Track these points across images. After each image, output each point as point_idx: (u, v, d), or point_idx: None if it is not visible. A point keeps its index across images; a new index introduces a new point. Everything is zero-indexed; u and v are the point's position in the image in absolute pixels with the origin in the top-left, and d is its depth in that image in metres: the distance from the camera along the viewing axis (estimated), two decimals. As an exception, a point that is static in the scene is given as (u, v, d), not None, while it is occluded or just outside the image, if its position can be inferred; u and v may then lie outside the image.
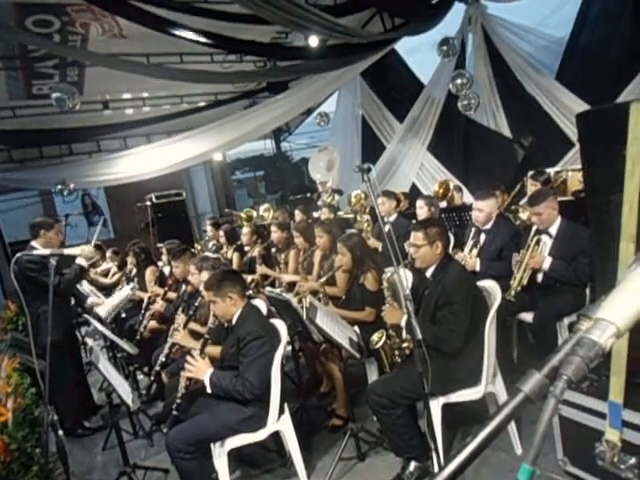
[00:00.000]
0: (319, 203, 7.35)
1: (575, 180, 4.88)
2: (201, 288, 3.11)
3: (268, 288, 4.01)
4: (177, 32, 4.97)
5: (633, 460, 1.94)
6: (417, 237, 2.70)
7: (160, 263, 4.85)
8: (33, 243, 3.68)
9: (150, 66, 6.56)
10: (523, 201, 5.16)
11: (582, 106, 5.59)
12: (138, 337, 4.09)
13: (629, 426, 1.95)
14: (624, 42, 6.13)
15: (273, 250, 5.04)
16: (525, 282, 3.30)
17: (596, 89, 6.04)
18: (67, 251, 2.77)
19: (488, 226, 3.70)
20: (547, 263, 3.25)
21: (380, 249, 4.48)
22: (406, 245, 3.30)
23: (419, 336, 2.14)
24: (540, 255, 3.28)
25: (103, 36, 6.12)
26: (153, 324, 4.25)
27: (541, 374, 0.48)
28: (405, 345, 2.76)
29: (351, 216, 6.11)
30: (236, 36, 5.80)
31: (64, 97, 5.53)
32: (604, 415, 2.02)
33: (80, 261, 3.66)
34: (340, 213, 6.47)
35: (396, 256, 2.22)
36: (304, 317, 2.83)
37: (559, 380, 0.46)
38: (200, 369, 2.61)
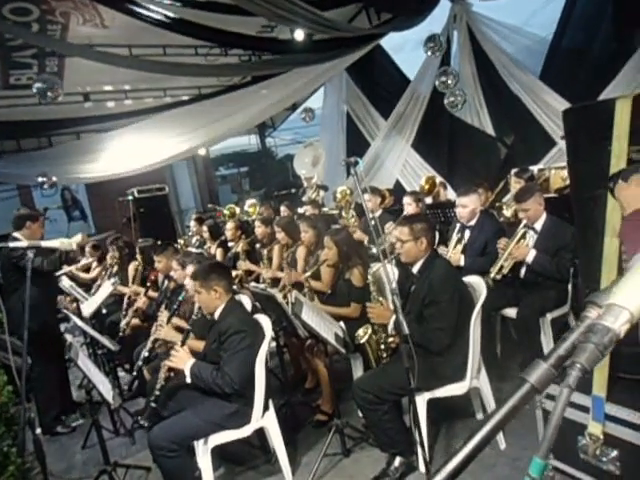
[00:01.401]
0: (304, 199, 7.32)
1: (558, 178, 4.94)
2: (185, 282, 3.06)
3: (253, 283, 3.97)
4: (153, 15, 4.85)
5: (615, 453, 1.96)
6: (402, 232, 2.69)
7: (135, 262, 4.76)
8: (16, 234, 3.62)
9: (132, 58, 6.43)
10: (506, 198, 5.21)
11: (565, 105, 5.66)
12: (121, 334, 4.02)
13: (611, 419, 1.97)
14: (605, 43, 6.24)
15: (257, 246, 4.99)
16: (505, 271, 3.32)
17: (578, 88, 6.14)
18: (45, 243, 2.70)
19: (472, 222, 3.73)
20: (531, 256, 3.27)
21: (366, 242, 4.47)
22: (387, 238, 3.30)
23: (406, 331, 2.13)
24: (525, 247, 3.31)
25: (84, 26, 5.97)
26: (135, 321, 4.18)
27: (547, 364, 0.46)
28: (391, 340, 2.76)
29: (336, 212, 6.10)
30: (222, 28, 5.72)
31: (46, 88, 5.36)
32: (587, 409, 2.04)
33: (64, 247, 3.60)
34: (325, 209, 6.45)
35: (382, 251, 2.21)
36: (289, 312, 2.80)
37: (572, 369, 0.44)
38: (181, 359, 2.58)
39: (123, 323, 4.13)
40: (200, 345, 2.84)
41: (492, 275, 3.28)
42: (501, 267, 3.32)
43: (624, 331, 0.45)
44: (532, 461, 0.45)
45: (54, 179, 7.78)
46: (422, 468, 2.51)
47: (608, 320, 0.45)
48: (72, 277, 5.61)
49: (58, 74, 6.70)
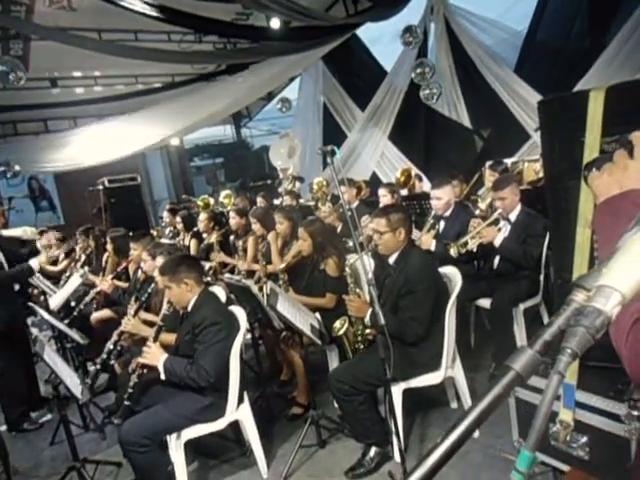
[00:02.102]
0: (280, 190, 7.25)
1: (531, 171, 5.01)
2: (155, 274, 2.97)
3: (227, 275, 3.91)
4: (129, 5, 4.69)
5: (584, 439, 2.00)
6: (380, 223, 2.67)
7: (106, 254, 4.62)
8: None
9: (102, 42, 6.21)
10: (481, 191, 5.27)
11: (538, 98, 5.74)
12: (75, 314, 3.87)
13: (581, 406, 2.00)
14: (579, 38, 6.35)
15: (232, 237, 4.92)
16: (470, 247, 3.34)
17: (552, 82, 6.23)
18: (7, 232, 2.58)
19: (447, 213, 3.75)
20: (499, 239, 3.32)
21: (339, 229, 4.46)
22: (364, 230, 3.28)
23: (382, 322, 2.12)
24: (496, 230, 3.35)
25: (50, 7, 5.73)
26: (102, 313, 4.06)
27: (533, 350, 0.44)
28: (368, 332, 2.75)
29: (312, 204, 6.06)
30: (196, 13, 5.58)
31: (7, 70, 5.13)
32: (558, 397, 2.07)
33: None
34: (301, 201, 6.40)
35: (359, 243, 2.19)
36: (265, 304, 2.76)
37: (562, 354, 0.42)
38: (154, 355, 2.50)
39: (83, 303, 3.99)
40: (171, 338, 2.77)
41: (454, 246, 3.31)
42: (466, 242, 3.35)
43: (616, 313, 0.43)
44: (520, 454, 0.43)
45: (17, 168, 7.49)
46: (397, 457, 2.52)
47: (599, 302, 0.43)
48: (41, 270, 5.43)
49: (23, 58, 6.43)
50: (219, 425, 2.56)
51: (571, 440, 2.04)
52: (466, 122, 7.47)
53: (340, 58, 8.52)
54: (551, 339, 0.45)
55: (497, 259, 3.49)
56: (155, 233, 6.46)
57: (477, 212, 4.19)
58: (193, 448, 2.83)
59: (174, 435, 2.47)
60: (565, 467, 2.09)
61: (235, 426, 2.86)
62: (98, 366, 3.13)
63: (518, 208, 3.39)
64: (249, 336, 3.38)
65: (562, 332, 0.45)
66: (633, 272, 0.43)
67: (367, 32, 7.97)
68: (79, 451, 2.73)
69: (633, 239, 0.44)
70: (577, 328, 0.42)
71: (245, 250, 4.59)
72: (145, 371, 2.59)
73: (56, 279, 5.29)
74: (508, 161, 5.40)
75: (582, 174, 1.84)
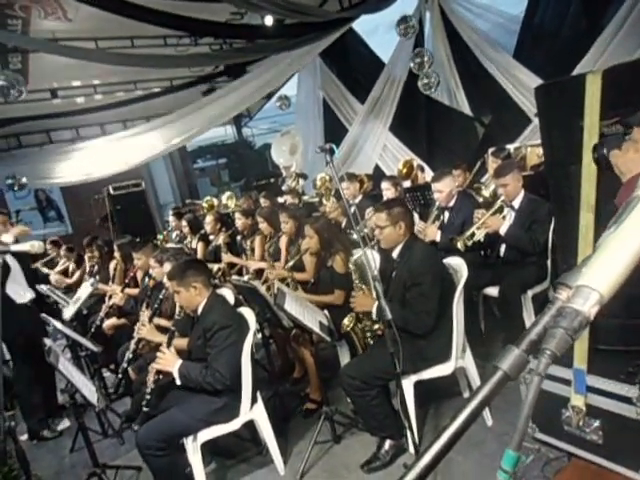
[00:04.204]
0: (283, 188, 7.27)
1: (533, 155, 4.98)
2: (164, 280, 3.00)
3: (235, 276, 3.93)
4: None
5: (597, 423, 2.00)
6: (380, 218, 2.68)
7: (114, 262, 4.67)
8: None
9: (99, 52, 6.24)
10: (485, 178, 5.24)
11: (538, 83, 5.69)
12: (93, 330, 3.94)
13: (593, 391, 2.01)
14: (575, 20, 6.27)
15: (238, 238, 4.94)
16: (476, 239, 3.34)
17: (551, 66, 6.17)
18: (15, 247, 2.60)
19: (451, 203, 3.75)
20: (504, 227, 3.31)
21: (344, 224, 4.46)
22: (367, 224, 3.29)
23: (389, 316, 2.13)
24: (500, 219, 3.34)
25: (46, 19, 5.76)
26: (114, 320, 4.11)
27: (520, 349, 0.45)
28: (377, 327, 2.76)
29: (316, 200, 6.06)
30: (190, 16, 5.58)
31: (8, 85, 5.16)
32: (569, 382, 2.07)
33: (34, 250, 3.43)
34: (305, 197, 6.41)
35: (362, 238, 2.20)
36: (272, 304, 2.78)
37: (542, 355, 0.43)
38: (168, 361, 2.53)
39: (98, 318, 4.06)
40: (184, 343, 2.80)
41: (460, 239, 3.30)
42: (473, 234, 3.34)
43: (594, 313, 0.43)
44: (505, 454, 0.44)
45: (24, 180, 7.57)
46: (412, 450, 2.54)
47: (577, 303, 0.43)
48: (55, 283, 5.51)
49: (22, 71, 6.47)
50: (234, 426, 2.59)
51: (584, 425, 2.05)
52: (466, 110, 7.42)
53: (337, 52, 8.48)
54: (537, 338, 0.46)
55: (503, 247, 3.48)
56: (162, 238, 6.52)
57: (481, 200, 4.18)
58: (210, 449, 2.87)
59: (190, 437, 2.50)
60: (580, 452, 2.09)
61: (250, 425, 2.88)
62: (120, 375, 3.18)
63: (521, 194, 3.37)
64: (260, 336, 3.41)
65: (546, 331, 0.46)
66: (611, 271, 0.43)
67: (363, 24, 7.92)
68: (99, 457, 2.78)
69: (611, 237, 0.44)
70: (556, 329, 0.43)
71: (252, 250, 4.62)
72: (161, 377, 2.63)
73: (69, 289, 5.38)
74: (511, 147, 5.36)
75: (592, 156, 1.83)
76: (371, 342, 2.82)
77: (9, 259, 2.44)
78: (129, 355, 3.15)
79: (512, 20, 7.10)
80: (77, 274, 5.77)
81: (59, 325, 3.33)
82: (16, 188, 7.57)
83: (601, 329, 2.02)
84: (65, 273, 6.18)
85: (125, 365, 3.21)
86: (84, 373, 2.94)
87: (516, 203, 3.38)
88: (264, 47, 6.81)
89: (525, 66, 6.47)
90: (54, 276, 5.81)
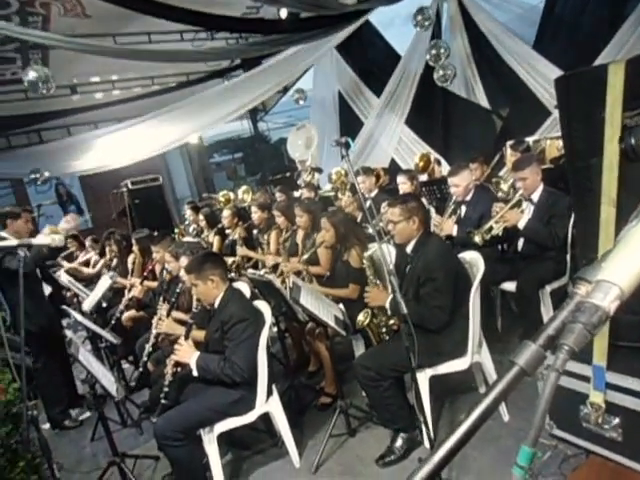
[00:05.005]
0: (299, 182, 7.27)
1: (553, 148, 4.89)
2: (181, 274, 3.04)
3: (250, 270, 3.96)
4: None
5: (617, 420, 1.97)
6: (394, 213, 2.67)
7: (132, 255, 4.74)
8: (2, 233, 3.59)
9: (117, 48, 6.31)
10: (503, 171, 5.16)
11: (558, 74, 5.57)
12: (113, 322, 4.02)
13: (612, 388, 1.97)
14: (597, 9, 6.11)
15: (255, 231, 4.96)
16: (494, 233, 3.30)
17: (572, 57, 6.04)
18: (35, 240, 2.66)
19: (468, 197, 3.71)
20: (523, 221, 3.26)
21: (359, 219, 4.45)
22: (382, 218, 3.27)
23: (404, 311, 2.12)
24: (519, 213, 3.29)
25: (65, 16, 5.84)
26: (132, 313, 4.18)
27: (536, 344, 0.45)
28: (392, 322, 2.75)
29: (332, 194, 6.05)
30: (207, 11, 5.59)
31: (38, 81, 5.21)
32: (588, 378, 2.04)
33: (55, 243, 3.49)
34: (321, 192, 6.40)
35: (378, 232, 2.20)
36: (288, 297, 2.79)
37: (560, 351, 0.43)
38: (186, 352, 2.57)
39: (118, 311, 4.13)
40: (201, 335, 2.83)
41: (478, 233, 3.27)
42: (491, 228, 3.30)
43: (614, 309, 0.43)
44: (520, 450, 0.44)
45: (47, 174, 7.71)
46: (427, 444, 2.53)
47: (597, 297, 0.42)
48: (74, 273, 5.63)
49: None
50: (250, 418, 2.62)
51: (603, 422, 2.02)
52: (484, 102, 7.31)
53: (353, 45, 8.42)
54: (555, 333, 0.45)
55: (521, 241, 3.43)
56: (179, 231, 6.59)
57: (499, 194, 4.13)
58: (226, 440, 2.91)
59: (207, 429, 2.54)
60: (598, 449, 2.07)
61: (266, 418, 2.91)
62: (140, 368, 3.24)
63: (540, 188, 3.32)
64: (275, 329, 3.43)
65: (564, 326, 0.45)
66: (632, 266, 0.42)
67: (379, 16, 7.83)
68: (118, 446, 2.83)
69: (632, 232, 0.43)
70: (575, 325, 0.42)
71: (268, 244, 4.63)
72: (179, 369, 2.67)
73: (89, 281, 5.48)
74: (530, 140, 5.27)
75: (619, 146, 1.79)
76: (387, 337, 2.81)
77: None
78: (149, 349, 3.21)
79: (531, 10, 6.95)
80: (99, 265, 5.87)
81: (79, 317, 3.40)
82: (39, 182, 7.71)
83: (622, 325, 1.98)
84: (87, 265, 6.30)
85: (145, 359, 3.26)
86: (104, 364, 2.99)
87: (535, 197, 3.33)
88: (280, 41, 6.79)
89: (545, 57, 6.34)
90: (71, 265, 5.94)
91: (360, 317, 2.79)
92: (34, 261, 3.49)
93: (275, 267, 4.28)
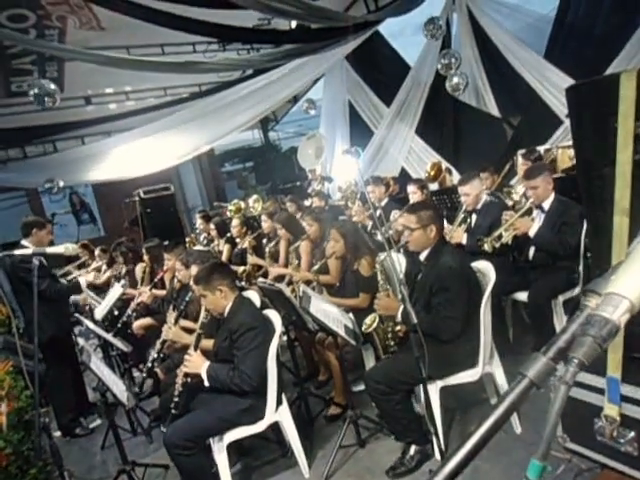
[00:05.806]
0: (309, 191, 7.29)
1: (565, 157, 4.86)
2: (191, 282, 3.06)
3: (260, 279, 3.97)
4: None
5: (632, 434, 1.93)
6: (410, 220, 2.65)
7: (142, 264, 4.78)
8: (24, 242, 3.66)
9: (132, 60, 6.41)
10: (514, 180, 5.14)
11: (569, 83, 5.55)
12: (119, 325, 4.03)
13: (627, 400, 1.94)
14: (609, 18, 6.09)
15: (264, 240, 4.98)
16: (504, 240, 3.27)
17: (583, 65, 6.01)
18: (50, 249, 2.71)
19: (478, 206, 3.69)
20: (533, 229, 3.24)
21: (369, 227, 4.45)
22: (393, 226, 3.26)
23: (414, 321, 2.11)
24: (529, 221, 3.27)
25: (81, 29, 5.97)
26: (144, 321, 4.20)
27: (546, 357, 0.44)
28: (398, 329, 2.73)
29: (342, 203, 6.06)
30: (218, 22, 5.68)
31: (43, 93, 5.35)
32: (602, 391, 2.01)
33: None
34: (331, 200, 6.42)
35: (387, 240, 2.19)
36: (298, 306, 2.79)
37: (570, 364, 0.42)
38: (196, 363, 2.58)
39: (125, 315, 4.16)
40: (210, 344, 2.84)
41: (487, 240, 3.25)
42: (500, 235, 3.28)
43: (624, 322, 0.42)
44: (530, 463, 0.43)
45: (61, 183, 7.84)
46: (438, 456, 2.50)
47: (607, 310, 0.42)
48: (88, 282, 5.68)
49: (58, 79, 6.72)
50: (259, 427, 2.61)
51: (618, 436, 1.98)
52: (494, 111, 7.29)
53: (363, 55, 8.48)
54: (565, 346, 0.45)
55: (532, 250, 3.41)
56: (190, 240, 6.64)
57: (510, 203, 4.10)
58: (236, 450, 2.90)
59: (216, 438, 2.54)
60: (613, 463, 2.03)
61: (276, 427, 2.90)
62: (144, 374, 3.24)
63: (552, 197, 3.30)
64: (285, 338, 3.43)
65: (574, 339, 0.45)
66: (643, 279, 0.42)
67: (389, 25, 7.87)
68: (128, 455, 2.85)
69: (643, 245, 0.43)
70: (585, 338, 0.42)
71: (277, 252, 4.64)
72: (189, 380, 2.67)
73: (99, 290, 5.52)
74: (541, 149, 5.24)
75: (633, 156, 1.77)
76: (392, 344, 2.78)
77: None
78: (154, 355, 3.21)
79: (542, 19, 6.94)
80: (107, 274, 5.92)
81: (92, 325, 3.43)
82: (55, 191, 7.84)
83: (636, 336, 1.95)
84: (98, 272, 6.36)
85: (150, 365, 3.26)
86: (115, 372, 3.01)
87: (546, 205, 3.31)
88: (291, 51, 6.85)
89: (556, 66, 6.31)
90: (86, 276, 6.00)
91: (367, 321, 2.74)
92: (59, 295, 3.65)
93: (278, 279, 4.26)
